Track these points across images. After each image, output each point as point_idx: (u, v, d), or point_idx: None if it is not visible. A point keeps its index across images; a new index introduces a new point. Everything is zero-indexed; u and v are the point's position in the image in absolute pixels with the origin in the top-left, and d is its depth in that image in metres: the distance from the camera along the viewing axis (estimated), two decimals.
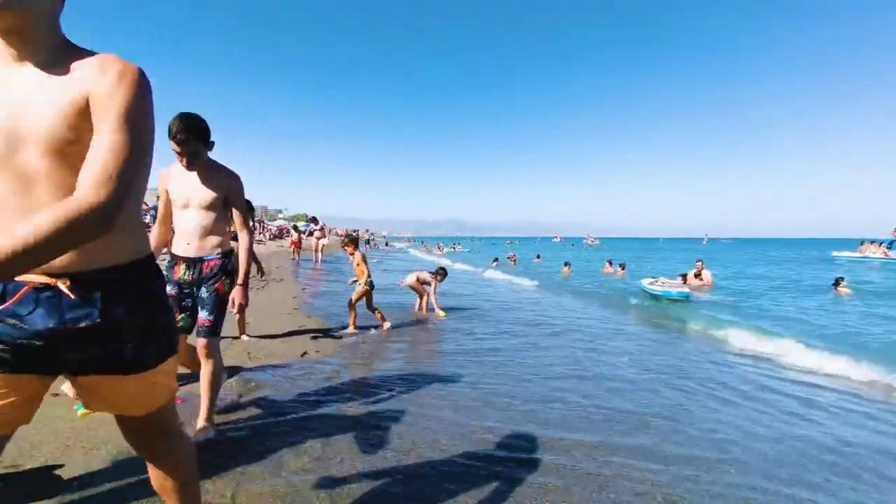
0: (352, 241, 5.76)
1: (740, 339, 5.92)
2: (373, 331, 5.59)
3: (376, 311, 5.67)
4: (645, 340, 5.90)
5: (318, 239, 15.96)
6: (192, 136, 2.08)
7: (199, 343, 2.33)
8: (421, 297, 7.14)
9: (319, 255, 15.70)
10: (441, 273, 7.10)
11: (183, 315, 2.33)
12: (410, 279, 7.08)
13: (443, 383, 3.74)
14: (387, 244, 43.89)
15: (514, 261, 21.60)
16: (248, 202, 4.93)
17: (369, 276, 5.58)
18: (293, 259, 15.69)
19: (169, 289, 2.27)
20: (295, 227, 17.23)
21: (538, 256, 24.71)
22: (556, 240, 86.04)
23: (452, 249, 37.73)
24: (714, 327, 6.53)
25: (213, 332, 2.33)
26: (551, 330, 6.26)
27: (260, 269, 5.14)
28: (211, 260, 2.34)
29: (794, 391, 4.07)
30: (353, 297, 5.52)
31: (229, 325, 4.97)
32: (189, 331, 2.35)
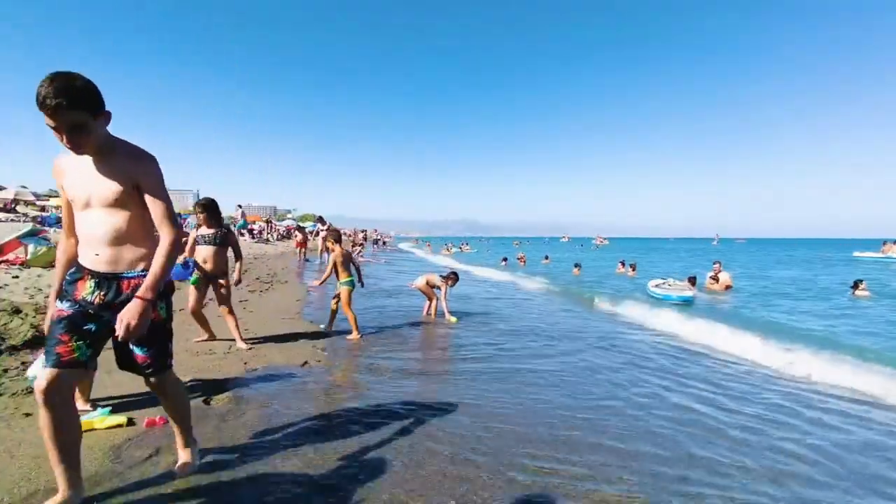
0: (335, 236, 5.36)
1: (758, 351, 5.32)
2: (379, 334, 5.27)
3: (334, 314, 5.41)
4: (669, 349, 5.50)
5: (325, 240, 15.62)
6: (67, 102, 1.46)
7: (148, 382, 1.91)
8: (430, 301, 6.80)
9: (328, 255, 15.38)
10: (452, 277, 6.75)
11: (79, 343, 1.66)
12: (420, 281, 6.75)
13: (457, 401, 3.38)
14: (384, 244, 43.32)
15: (524, 261, 21.24)
16: (212, 201, 4.33)
17: (350, 275, 5.25)
18: (299, 260, 15.41)
19: (62, 306, 1.70)
20: (299, 228, 16.75)
21: (546, 258, 24.31)
22: (563, 240, 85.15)
23: (459, 250, 37.24)
24: (729, 336, 5.93)
25: (158, 370, 1.86)
26: (573, 339, 5.87)
27: (238, 278, 4.66)
28: (132, 278, 1.73)
29: (831, 405, 3.66)
30: (344, 302, 5.17)
31: (226, 329, 4.66)
32: (85, 363, 1.69)
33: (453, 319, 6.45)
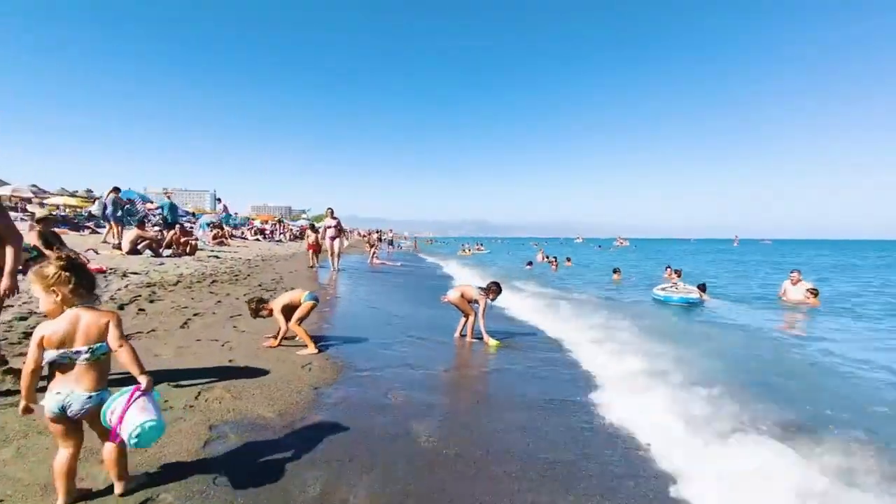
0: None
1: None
2: (398, 367, 3.91)
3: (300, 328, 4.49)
4: None
5: (333, 239, 12.40)
6: None
7: None
8: (466, 318, 5.42)
9: (336, 259, 12.45)
10: (494, 290, 5.36)
11: None
12: (454, 295, 5.37)
13: (505, 473, 1.98)
14: (400, 246, 41.96)
15: (556, 266, 19.52)
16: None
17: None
18: (310, 266, 12.63)
19: None
20: (312, 227, 14.35)
21: (568, 259, 22.81)
22: (577, 240, 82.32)
23: (474, 251, 35.63)
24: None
25: None
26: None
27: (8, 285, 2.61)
28: None
29: None
30: (297, 315, 4.44)
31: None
32: None
33: (494, 343, 5.09)
